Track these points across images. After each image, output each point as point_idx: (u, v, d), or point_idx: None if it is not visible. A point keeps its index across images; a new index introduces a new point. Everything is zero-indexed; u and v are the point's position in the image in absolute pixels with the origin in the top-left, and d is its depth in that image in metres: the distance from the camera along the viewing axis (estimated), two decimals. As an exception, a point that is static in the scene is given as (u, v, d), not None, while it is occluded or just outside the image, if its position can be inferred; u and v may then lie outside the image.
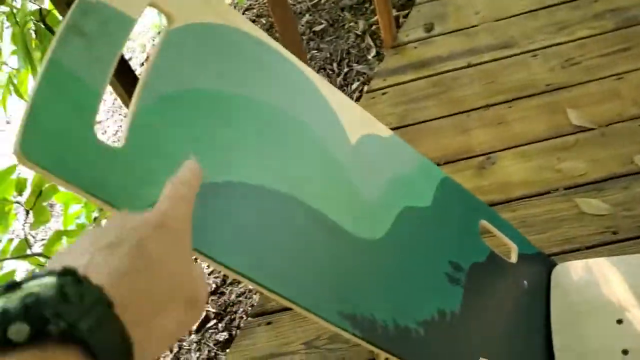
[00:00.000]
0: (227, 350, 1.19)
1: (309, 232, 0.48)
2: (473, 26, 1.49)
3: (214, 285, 1.61)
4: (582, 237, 1.05)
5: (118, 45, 0.40)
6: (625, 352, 0.67)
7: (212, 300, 1.58)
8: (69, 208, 1.30)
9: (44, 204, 1.14)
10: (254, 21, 2.26)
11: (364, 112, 0.62)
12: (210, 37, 0.47)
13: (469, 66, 1.41)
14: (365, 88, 1.61)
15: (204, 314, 1.53)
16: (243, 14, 2.32)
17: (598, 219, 1.08)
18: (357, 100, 1.71)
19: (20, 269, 1.23)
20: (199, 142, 0.43)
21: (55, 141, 0.34)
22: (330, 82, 1.93)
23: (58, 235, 1.18)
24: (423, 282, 0.58)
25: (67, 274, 0.25)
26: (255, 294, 1.50)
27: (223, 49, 0.48)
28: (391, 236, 0.56)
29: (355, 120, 0.58)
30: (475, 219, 0.69)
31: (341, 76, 1.99)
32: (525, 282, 0.74)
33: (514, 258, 0.74)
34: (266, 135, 0.49)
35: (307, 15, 2.23)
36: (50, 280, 0.24)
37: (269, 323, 1.14)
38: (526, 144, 1.23)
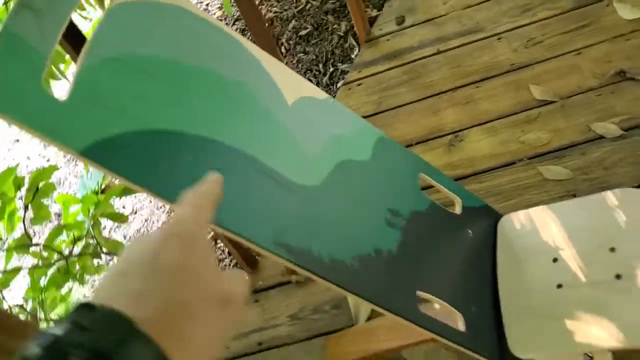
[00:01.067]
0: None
1: (250, 176, 0.55)
2: (441, 16, 1.55)
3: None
4: (545, 202, 1.10)
5: (63, 17, 0.48)
6: (559, 286, 0.73)
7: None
8: (69, 208, 1.38)
9: (43, 201, 1.22)
10: (243, 30, 2.35)
11: (302, 79, 0.69)
12: (153, 10, 0.54)
13: (438, 53, 1.48)
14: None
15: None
16: (233, 24, 2.41)
17: (559, 183, 1.14)
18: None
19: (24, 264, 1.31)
20: (144, 100, 0.50)
21: (8, 90, 0.42)
22: (317, 82, 2.02)
23: (59, 229, 1.26)
24: (360, 223, 0.64)
25: (80, 308, 0.26)
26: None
27: (165, 21, 0.55)
28: (328, 184, 0.62)
29: (293, 86, 0.65)
30: (414, 172, 0.75)
31: (327, 76, 2.07)
32: (470, 231, 0.80)
33: (458, 210, 0.80)
34: (207, 96, 0.56)
35: (293, 22, 2.32)
36: (67, 319, 0.25)
37: (256, 301, 1.21)
38: (492, 120, 1.29)
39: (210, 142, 0.54)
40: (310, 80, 2.06)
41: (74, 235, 1.25)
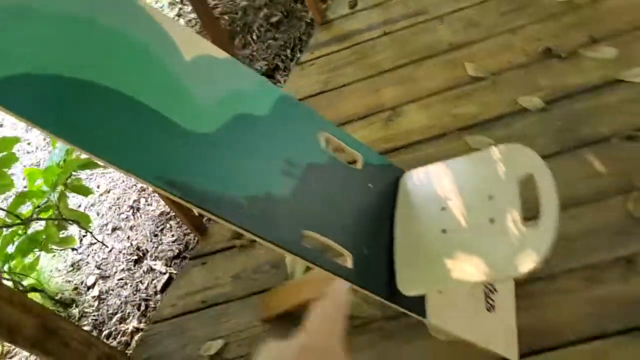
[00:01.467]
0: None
1: (137, 119, 0.62)
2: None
3: (177, 251, 1.76)
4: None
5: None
6: (444, 231, 0.80)
7: (175, 263, 1.73)
8: (34, 180, 1.46)
9: (6, 170, 1.30)
10: (217, 19, 2.43)
11: (201, 39, 0.76)
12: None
13: (384, 34, 1.55)
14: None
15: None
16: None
17: (483, 152, 1.21)
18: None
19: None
20: (40, 44, 0.58)
21: None
22: (285, 67, 2.09)
23: (21, 196, 1.34)
24: (253, 169, 0.72)
25: None
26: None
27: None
28: (222, 132, 0.70)
29: (191, 44, 0.72)
30: (314, 128, 0.82)
31: (294, 61, 2.14)
32: (370, 185, 0.87)
33: (359, 166, 0.87)
34: (105, 50, 0.64)
35: (264, 9, 2.40)
36: None
37: (203, 263, 1.29)
38: (428, 96, 1.37)
39: (102, 88, 0.61)
40: (278, 65, 2.14)
41: (34, 203, 1.33)
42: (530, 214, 0.69)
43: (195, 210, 1.34)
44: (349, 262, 0.76)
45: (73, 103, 0.58)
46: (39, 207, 1.33)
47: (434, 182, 0.87)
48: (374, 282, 0.78)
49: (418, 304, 0.82)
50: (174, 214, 1.72)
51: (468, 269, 0.74)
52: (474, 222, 0.78)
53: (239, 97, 0.75)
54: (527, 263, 0.70)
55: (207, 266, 1.28)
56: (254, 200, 0.69)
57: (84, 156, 2.08)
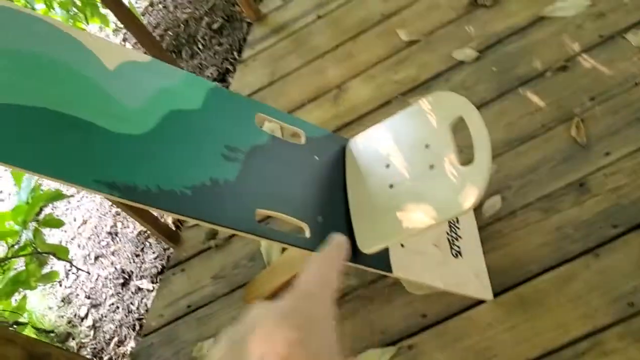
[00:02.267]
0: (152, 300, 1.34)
1: (70, 132, 0.63)
2: (320, -16, 1.65)
3: (160, 267, 1.77)
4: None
5: None
6: (391, 186, 0.82)
7: (160, 279, 1.74)
8: (4, 222, 1.46)
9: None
10: (161, 36, 2.43)
11: (122, 47, 0.77)
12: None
13: (319, 18, 1.57)
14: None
15: None
16: (154, 30, 2.49)
17: (428, 110, 1.24)
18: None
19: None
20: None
21: None
22: (234, 68, 2.10)
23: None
24: (194, 160, 0.73)
25: None
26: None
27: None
28: (156, 132, 0.71)
29: (112, 54, 0.74)
30: (250, 113, 0.84)
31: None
32: (315, 157, 0.89)
33: (302, 141, 0.89)
34: (34, 72, 0.65)
35: (205, 18, 2.40)
36: None
37: (182, 270, 1.30)
38: (369, 68, 1.39)
39: (29, 108, 0.62)
40: (228, 68, 2.15)
41: (8, 243, 1.33)
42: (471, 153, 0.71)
43: (158, 213, 1.35)
44: (306, 232, 0.78)
45: (2, 126, 0.59)
46: (13, 246, 1.33)
47: (375, 144, 0.89)
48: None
49: (382, 261, 0.85)
50: (150, 232, 1.73)
51: (417, 216, 0.76)
52: (416, 171, 0.80)
53: (169, 95, 0.76)
54: (469, 198, 0.72)
55: (187, 272, 1.29)
56: (200, 189, 0.71)
57: (52, 189, 2.07)
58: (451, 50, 1.30)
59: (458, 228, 1.02)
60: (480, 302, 0.97)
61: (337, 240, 0.36)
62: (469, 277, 0.98)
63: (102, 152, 0.65)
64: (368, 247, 0.79)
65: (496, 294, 0.96)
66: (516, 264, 0.98)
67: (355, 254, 0.80)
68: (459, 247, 0.99)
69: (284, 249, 1.19)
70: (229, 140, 0.79)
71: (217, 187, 0.72)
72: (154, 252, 1.76)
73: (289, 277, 1.04)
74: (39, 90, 0.64)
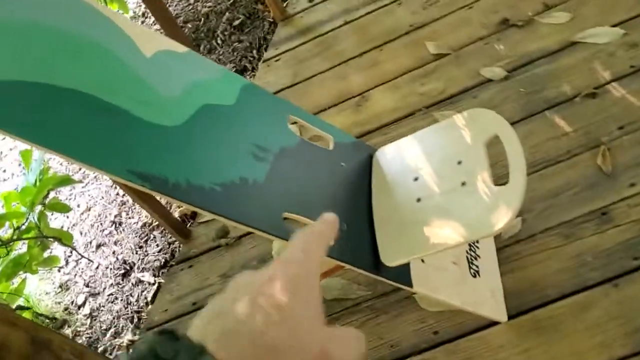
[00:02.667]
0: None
1: (104, 117, 0.62)
2: (348, -11, 1.65)
3: (163, 261, 1.76)
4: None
5: None
6: (419, 199, 0.81)
7: (162, 273, 1.72)
8: (11, 203, 1.44)
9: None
10: (181, 28, 2.42)
11: (159, 35, 0.76)
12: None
13: (345, 23, 1.57)
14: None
15: None
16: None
17: (452, 126, 1.23)
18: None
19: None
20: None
21: None
22: (252, 67, 2.10)
23: (0, 218, 1.32)
24: (224, 157, 0.72)
25: (164, 333, 0.25)
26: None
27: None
28: (189, 124, 0.70)
29: (149, 40, 0.73)
30: (282, 114, 0.83)
31: (261, 60, 2.15)
32: (342, 163, 0.88)
33: (331, 146, 0.89)
34: (74, 53, 0.64)
35: (227, 13, 2.40)
36: (147, 339, 0.24)
37: (190, 266, 1.29)
38: (394, 78, 1.38)
39: (65, 90, 0.61)
40: (246, 66, 2.14)
41: (13, 225, 1.32)
42: (502, 172, 0.71)
43: (176, 204, 1.34)
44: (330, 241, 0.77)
45: (39, 107, 0.58)
46: (18, 228, 1.32)
47: (405, 155, 0.88)
48: (357, 257, 0.79)
49: (403, 275, 0.84)
50: (156, 224, 1.72)
51: (445, 233, 0.75)
52: (446, 187, 0.79)
53: (204, 88, 0.76)
54: (501, 219, 0.71)
55: (195, 268, 1.28)
56: (229, 186, 0.70)
57: (60, 173, 2.06)
58: (480, 67, 1.30)
59: (477, 247, 1.01)
60: (494, 323, 0.96)
61: (328, 217, 0.36)
62: (486, 297, 0.97)
63: (136, 141, 0.64)
64: (392, 260, 0.79)
65: (511, 317, 0.96)
66: (533, 287, 0.97)
67: (377, 266, 0.80)
68: (477, 266, 0.98)
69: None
70: (260, 139, 0.78)
71: (246, 186, 0.72)
72: (158, 245, 1.75)
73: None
74: (77, 73, 0.63)
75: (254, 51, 2.22)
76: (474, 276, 0.97)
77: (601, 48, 1.21)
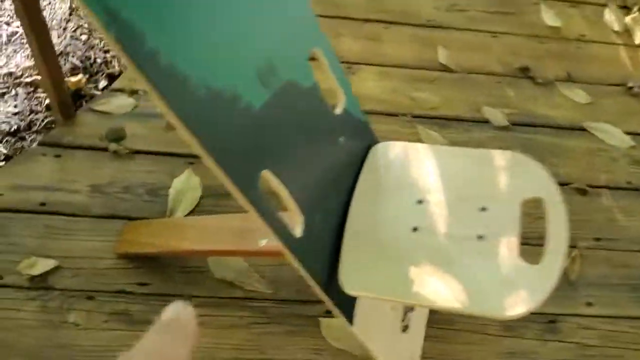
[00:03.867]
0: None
1: None
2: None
3: (15, 127, 1.40)
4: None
5: None
6: (415, 229, 0.63)
7: (7, 141, 1.37)
8: None
9: None
10: None
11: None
12: None
13: (361, -20, 1.36)
14: None
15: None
16: None
17: (433, 149, 1.08)
18: None
19: None
20: None
21: None
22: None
23: None
24: (227, 56, 0.49)
25: None
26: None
27: None
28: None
29: None
30: (309, 42, 0.61)
31: None
32: (341, 139, 0.68)
33: (338, 109, 0.68)
34: None
35: None
36: None
37: (57, 156, 0.99)
38: (390, 66, 1.20)
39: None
40: None
41: None
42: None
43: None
44: (298, 229, 0.56)
45: None
46: None
47: (412, 165, 0.70)
48: (314, 262, 0.59)
49: (348, 306, 0.65)
50: (29, 80, 1.36)
51: (438, 287, 0.58)
52: (458, 231, 0.62)
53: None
54: (518, 306, 0.57)
55: (62, 161, 0.98)
56: (216, 95, 0.46)
57: None
58: (483, 103, 1.16)
59: (417, 299, 0.85)
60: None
61: (183, 311, 0.26)
62: (402, 357, 0.82)
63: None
64: (353, 287, 0.61)
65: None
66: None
67: (329, 282, 0.61)
68: (409, 319, 0.83)
69: (197, 205, 0.95)
70: (273, 54, 0.55)
71: (234, 106, 0.49)
72: (15, 106, 1.39)
73: (189, 248, 0.80)
74: None
75: None
76: (403, 331, 0.81)
77: (607, 148, 1.13)
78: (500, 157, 0.68)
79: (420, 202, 0.66)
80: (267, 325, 0.85)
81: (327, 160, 0.65)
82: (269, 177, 0.52)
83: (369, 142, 0.73)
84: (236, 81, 0.49)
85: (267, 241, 0.74)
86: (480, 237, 0.61)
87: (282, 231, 0.53)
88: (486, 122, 1.14)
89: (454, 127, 1.11)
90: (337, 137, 0.66)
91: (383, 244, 0.63)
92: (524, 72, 1.24)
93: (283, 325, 0.85)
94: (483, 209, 0.64)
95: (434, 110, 1.14)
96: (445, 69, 1.21)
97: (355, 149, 0.70)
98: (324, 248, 0.62)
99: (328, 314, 0.87)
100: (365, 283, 0.60)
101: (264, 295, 0.87)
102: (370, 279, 0.61)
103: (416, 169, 0.69)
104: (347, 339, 0.84)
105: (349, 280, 0.60)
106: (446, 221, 0.63)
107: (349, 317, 0.65)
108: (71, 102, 1.05)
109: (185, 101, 0.42)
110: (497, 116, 1.14)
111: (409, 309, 0.84)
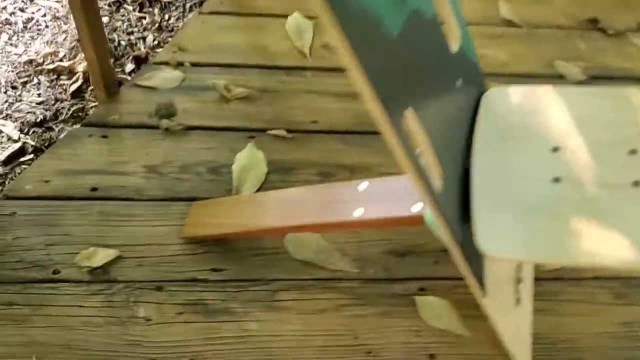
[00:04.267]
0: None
1: None
2: None
3: (41, 117, 1.31)
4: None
5: None
6: (556, 179, 0.55)
7: (34, 132, 1.28)
8: None
9: None
10: None
11: None
12: None
13: None
14: None
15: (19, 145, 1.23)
16: None
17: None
18: None
19: None
20: None
21: None
22: None
23: None
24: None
25: None
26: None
27: None
28: None
29: None
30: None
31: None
32: (459, 81, 0.59)
33: (454, 47, 0.59)
34: None
35: None
36: None
37: (104, 137, 0.90)
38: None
39: None
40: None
41: None
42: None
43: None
44: (438, 183, 0.48)
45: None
46: None
47: (539, 110, 0.62)
48: (452, 222, 0.51)
49: (478, 274, 0.57)
50: (49, 67, 1.27)
51: (597, 243, 0.50)
52: (608, 178, 0.54)
53: None
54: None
55: (110, 142, 0.90)
56: (362, 11, 0.38)
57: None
58: (554, 57, 1.07)
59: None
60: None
61: None
62: (520, 332, 0.74)
63: None
64: (495, 250, 0.51)
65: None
66: (568, 345, 0.76)
67: (461, 240, 0.52)
68: (519, 292, 0.74)
69: (265, 181, 0.86)
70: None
71: (377, 30, 0.40)
72: (39, 95, 1.30)
73: (271, 225, 0.72)
74: None
75: None
76: (516, 303, 0.73)
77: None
78: (638, 95, 0.60)
79: (555, 149, 0.57)
80: (357, 307, 0.76)
81: (449, 105, 0.56)
82: (410, 118, 0.44)
83: (480, 88, 0.64)
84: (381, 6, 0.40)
85: (363, 212, 0.66)
86: (636, 184, 0.52)
87: (427, 183, 0.45)
88: (561, 77, 1.05)
89: (528, 84, 1.02)
90: (454, 78, 0.58)
91: (521, 198, 0.54)
92: (593, 24, 1.15)
93: (375, 306, 0.77)
94: (633, 152, 0.55)
95: (502, 68, 1.05)
96: (509, 24, 1.13)
97: (470, 94, 0.62)
98: (454, 206, 0.53)
99: (422, 291, 0.78)
100: (511, 245, 0.52)
101: (349, 275, 0.79)
102: (516, 240, 0.52)
103: (543, 114, 0.61)
104: (448, 317, 0.76)
105: (488, 241, 0.52)
106: (592, 169, 0.55)
107: (481, 284, 0.57)
108: (115, 79, 0.96)
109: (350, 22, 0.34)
110: (572, 71, 1.05)
111: (519, 280, 0.76)
